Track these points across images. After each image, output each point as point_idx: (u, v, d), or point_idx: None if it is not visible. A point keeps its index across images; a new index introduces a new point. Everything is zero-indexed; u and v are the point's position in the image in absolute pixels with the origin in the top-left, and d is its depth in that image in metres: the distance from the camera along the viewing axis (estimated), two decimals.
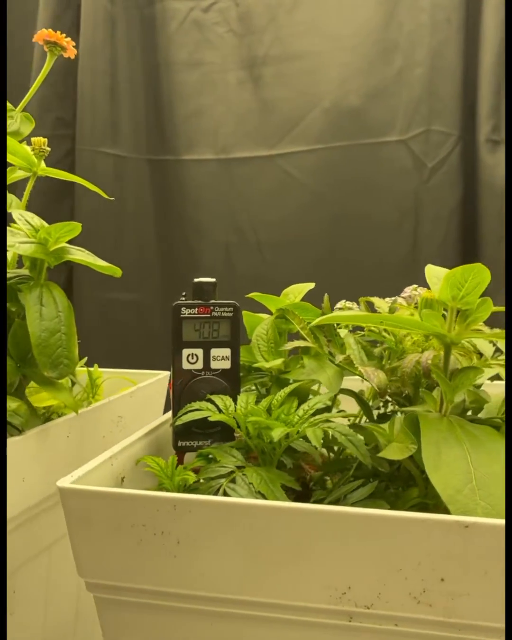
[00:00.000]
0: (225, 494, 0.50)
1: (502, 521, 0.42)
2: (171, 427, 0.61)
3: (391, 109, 1.38)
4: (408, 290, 0.77)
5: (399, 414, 0.58)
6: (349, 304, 0.77)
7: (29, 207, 1.57)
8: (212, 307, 0.61)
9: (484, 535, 0.43)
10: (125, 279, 1.51)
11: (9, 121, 0.79)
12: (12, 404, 0.57)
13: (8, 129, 0.79)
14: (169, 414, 0.71)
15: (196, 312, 0.61)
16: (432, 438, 0.48)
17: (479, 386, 0.56)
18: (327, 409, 0.67)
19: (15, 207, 0.79)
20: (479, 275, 0.49)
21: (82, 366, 0.87)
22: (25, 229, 0.60)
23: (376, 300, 0.71)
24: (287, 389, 0.58)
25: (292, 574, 0.46)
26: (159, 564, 0.48)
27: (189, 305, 0.61)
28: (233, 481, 0.51)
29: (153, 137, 1.56)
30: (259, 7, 1.46)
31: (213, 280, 0.63)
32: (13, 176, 0.80)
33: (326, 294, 0.65)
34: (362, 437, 0.52)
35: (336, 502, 0.54)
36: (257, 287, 1.56)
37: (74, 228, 0.60)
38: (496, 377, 0.60)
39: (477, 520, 0.42)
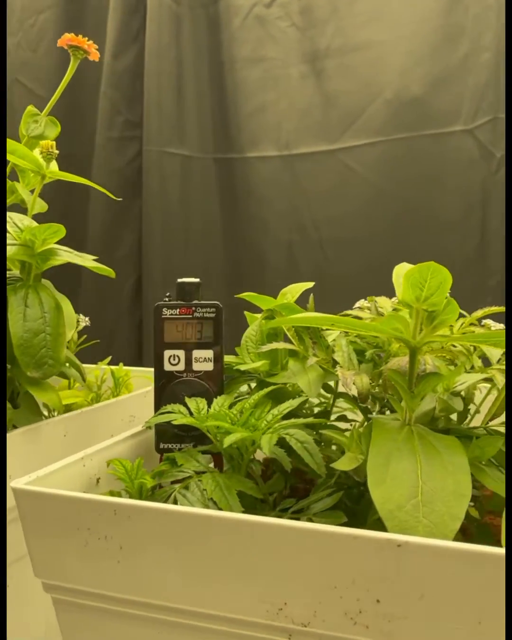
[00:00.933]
0: (175, 500, 0.49)
1: (439, 541, 0.39)
2: (147, 428, 0.61)
3: (455, 97, 1.32)
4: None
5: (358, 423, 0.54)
6: (367, 303, 0.74)
7: (100, 209, 1.62)
8: (194, 308, 0.60)
9: (419, 555, 0.39)
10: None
11: (33, 125, 0.81)
12: None
13: (33, 133, 0.81)
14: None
15: (178, 313, 0.60)
16: (382, 448, 0.45)
17: (457, 394, 0.52)
18: (325, 413, 0.65)
19: (39, 209, 0.80)
20: (437, 274, 0.45)
21: (106, 365, 0.88)
22: (12, 231, 0.61)
23: (380, 299, 0.67)
24: (262, 392, 0.56)
25: (230, 585, 0.45)
26: (104, 568, 0.48)
27: (170, 306, 0.60)
28: (187, 487, 0.50)
29: (218, 135, 1.56)
30: None
31: (197, 280, 0.62)
32: (30, 182, 0.82)
33: (311, 295, 0.62)
34: (315, 447, 0.49)
35: (298, 511, 0.52)
36: (320, 285, 1.54)
37: (59, 230, 0.61)
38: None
39: (411, 540, 0.39)
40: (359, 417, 0.62)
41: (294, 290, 0.67)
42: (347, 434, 0.50)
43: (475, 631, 0.39)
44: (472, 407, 0.57)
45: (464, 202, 1.33)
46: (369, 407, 0.60)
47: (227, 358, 0.63)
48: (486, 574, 0.38)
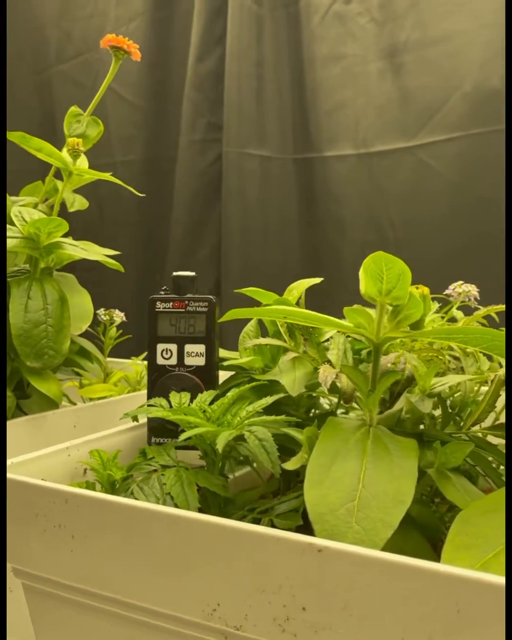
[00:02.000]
0: (133, 493, 0.49)
1: (361, 549, 0.37)
2: (129, 417, 0.61)
3: None
4: (451, 288, 0.70)
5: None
6: None
7: (184, 212, 1.65)
8: (186, 302, 0.60)
9: (340, 562, 0.37)
10: (270, 277, 1.52)
11: (75, 125, 0.83)
12: None
13: (74, 132, 0.83)
14: None
15: (171, 307, 0.60)
16: (329, 448, 0.42)
17: (434, 395, 0.48)
18: (330, 414, 0.62)
19: (78, 206, 0.82)
20: (393, 265, 0.43)
21: (142, 360, 0.90)
22: (19, 225, 0.63)
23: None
24: (242, 389, 0.54)
25: (169, 582, 0.44)
26: (60, 556, 0.48)
27: (164, 299, 0.60)
28: (148, 480, 0.50)
29: (297, 135, 1.55)
30: None
31: (192, 274, 0.61)
32: (81, 179, 0.84)
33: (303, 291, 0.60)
34: (273, 445, 0.47)
35: (263, 512, 0.50)
36: None
37: (61, 223, 0.62)
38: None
39: (331, 545, 0.37)
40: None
41: (300, 286, 0.65)
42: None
43: None
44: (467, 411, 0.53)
45: None
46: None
47: (223, 353, 0.62)
48: (409, 587, 0.36)
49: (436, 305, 0.60)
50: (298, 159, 1.55)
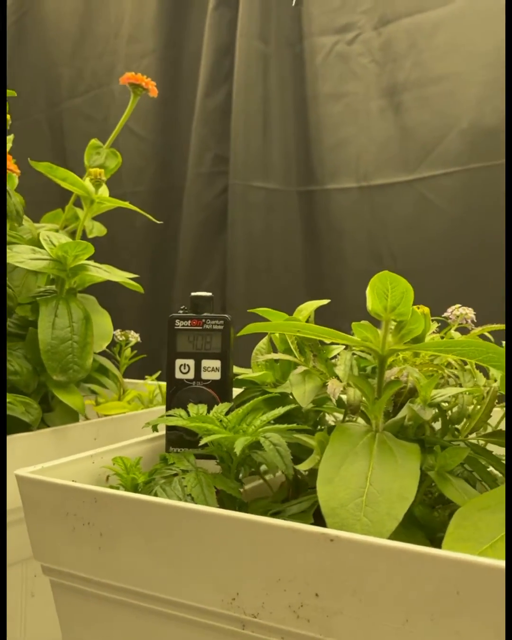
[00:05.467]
0: (156, 494, 0.53)
1: (370, 538, 0.40)
2: (150, 427, 0.64)
3: None
4: (450, 311, 0.74)
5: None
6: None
7: (190, 241, 1.70)
8: (204, 320, 0.64)
9: (351, 550, 0.41)
10: (273, 306, 1.57)
11: (95, 156, 0.89)
12: (24, 401, 0.64)
13: (95, 163, 0.88)
14: None
15: (189, 325, 0.64)
16: (339, 450, 0.46)
17: (435, 405, 0.52)
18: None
19: (97, 233, 0.87)
20: (398, 284, 0.47)
21: (154, 380, 0.94)
22: (48, 248, 0.67)
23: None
24: (256, 400, 0.59)
25: (191, 574, 0.47)
26: (88, 553, 0.52)
27: (182, 318, 0.65)
28: (170, 483, 0.53)
29: (301, 169, 1.61)
30: (400, 33, 1.46)
31: (209, 294, 0.66)
32: (101, 207, 0.89)
33: (312, 310, 0.64)
34: (287, 450, 0.51)
35: (275, 514, 0.54)
36: None
37: (87, 247, 0.67)
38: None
39: (342, 534, 0.41)
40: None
41: (308, 307, 0.70)
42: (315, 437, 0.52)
43: (402, 629, 0.40)
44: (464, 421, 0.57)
45: None
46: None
47: (237, 369, 0.67)
48: (412, 572, 0.39)
49: (435, 326, 0.65)
50: (301, 192, 1.61)
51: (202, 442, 0.52)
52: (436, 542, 0.52)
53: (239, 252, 1.64)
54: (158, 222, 0.88)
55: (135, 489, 0.56)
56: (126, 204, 0.80)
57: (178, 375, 0.65)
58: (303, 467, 0.48)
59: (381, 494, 0.43)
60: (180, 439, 0.64)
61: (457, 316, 0.73)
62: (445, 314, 0.74)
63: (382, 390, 0.49)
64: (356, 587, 0.41)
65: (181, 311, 0.66)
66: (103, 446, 0.73)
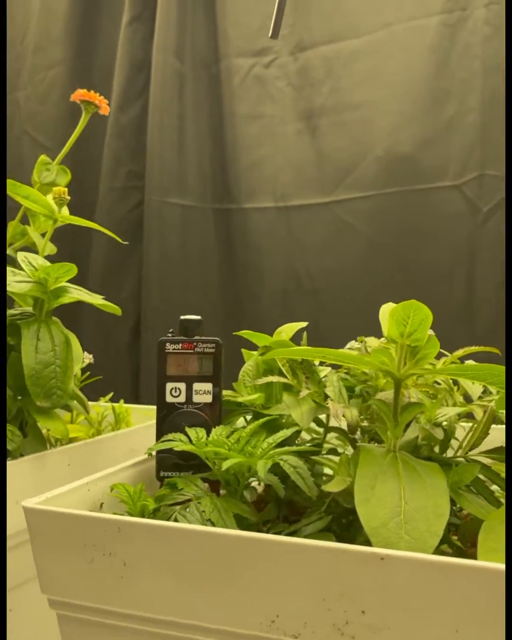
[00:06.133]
0: (176, 520, 0.53)
1: (419, 555, 0.43)
2: (148, 455, 0.64)
3: (443, 154, 1.39)
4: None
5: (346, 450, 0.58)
6: (356, 344, 0.78)
7: (103, 254, 1.67)
8: (195, 343, 0.65)
9: (401, 568, 0.43)
10: None
11: (45, 173, 0.87)
12: (8, 428, 0.61)
13: (45, 180, 0.86)
14: None
15: (180, 348, 0.64)
16: (369, 471, 0.48)
17: (438, 424, 0.56)
18: (317, 447, 0.69)
19: (49, 251, 0.85)
20: (419, 311, 0.50)
21: (107, 402, 0.92)
22: (28, 270, 0.65)
23: (370, 340, 0.72)
24: (259, 422, 0.60)
25: (226, 599, 0.48)
26: (108, 584, 0.51)
27: (173, 341, 0.65)
28: (187, 508, 0.54)
29: (217, 187, 1.63)
30: (317, 60, 1.52)
31: (198, 318, 0.66)
32: (40, 225, 0.87)
33: (304, 332, 0.66)
34: (307, 471, 0.53)
35: (291, 534, 0.55)
36: (315, 333, 1.58)
37: (71, 269, 0.65)
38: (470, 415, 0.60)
39: (392, 553, 0.43)
40: (349, 450, 0.66)
41: (288, 329, 0.72)
42: (335, 459, 0.54)
43: (453, 639, 0.43)
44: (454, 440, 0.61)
45: (453, 253, 1.39)
46: (358, 438, 0.64)
47: (225, 392, 0.67)
48: (461, 585, 0.42)
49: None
50: (218, 209, 1.63)
51: (224, 467, 0.53)
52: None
53: (154, 267, 1.64)
54: (124, 242, 0.87)
55: (143, 516, 0.56)
56: (93, 224, 0.79)
57: (169, 399, 0.64)
58: (334, 488, 0.50)
59: (417, 512, 0.46)
60: (170, 462, 0.63)
61: None
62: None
63: (400, 412, 0.52)
64: (405, 603, 0.43)
65: (170, 334, 0.66)
66: (78, 472, 0.72)
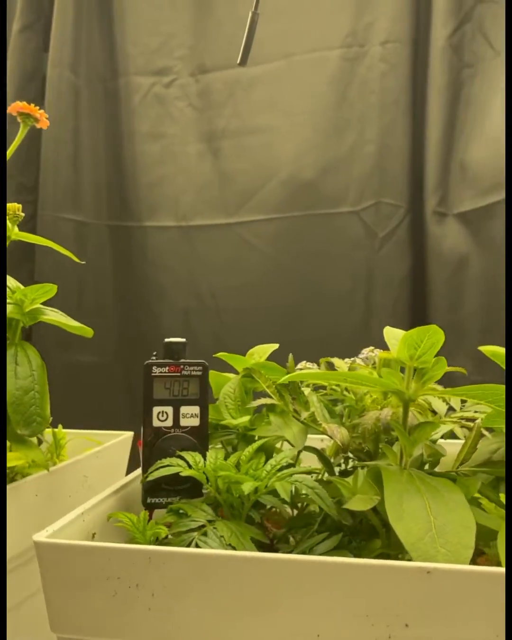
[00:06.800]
0: (197, 546, 0.52)
1: (464, 566, 0.45)
2: (141, 484, 0.63)
3: (344, 182, 1.46)
4: (365, 352, 0.81)
5: (359, 469, 0.60)
6: (309, 364, 0.80)
7: None
8: (182, 366, 0.64)
9: (446, 580, 0.45)
10: (85, 341, 1.53)
11: None
12: None
13: None
14: (137, 472, 0.72)
15: (167, 371, 0.64)
16: (394, 489, 0.51)
17: (434, 442, 0.60)
18: (290, 466, 0.70)
19: None
20: (434, 336, 0.53)
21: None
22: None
23: (335, 360, 0.74)
24: (255, 445, 0.60)
25: (265, 623, 0.48)
26: (134, 617, 0.49)
27: (160, 364, 0.64)
28: (204, 534, 0.53)
29: (114, 204, 1.61)
30: (218, 83, 1.54)
31: (183, 340, 0.66)
32: None
33: (290, 353, 0.68)
34: (325, 491, 0.54)
35: (302, 554, 0.56)
36: (216, 351, 1.59)
37: (50, 289, 0.63)
38: (451, 435, 0.64)
39: (439, 566, 0.45)
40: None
41: (261, 351, 0.73)
42: (348, 479, 0.56)
43: None
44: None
45: (352, 276, 1.46)
46: (333, 460, 0.66)
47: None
48: (500, 592, 0.45)
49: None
50: (116, 226, 1.61)
51: (246, 491, 0.53)
52: None
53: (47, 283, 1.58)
54: (81, 262, 0.84)
55: (155, 544, 0.54)
56: (49, 242, 0.76)
57: (156, 423, 0.63)
58: (360, 507, 0.51)
59: (447, 526, 0.49)
60: (158, 488, 0.62)
61: (370, 357, 0.81)
62: (361, 356, 0.81)
63: (413, 431, 0.54)
64: (448, 613, 0.46)
65: (154, 357, 0.65)
66: (46, 502, 0.68)
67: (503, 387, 0.54)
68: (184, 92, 1.57)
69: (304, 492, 0.55)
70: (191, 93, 1.56)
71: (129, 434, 0.95)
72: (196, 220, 1.55)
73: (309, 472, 0.59)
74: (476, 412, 0.64)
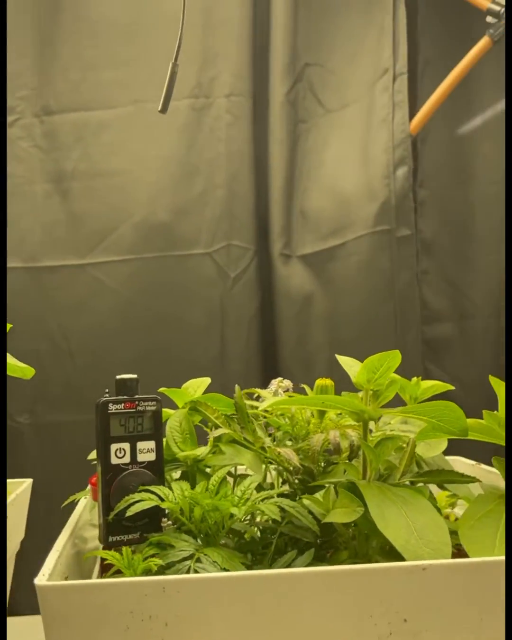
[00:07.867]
0: (196, 572, 0.53)
1: (453, 560, 0.52)
2: (101, 522, 0.62)
3: (196, 225, 1.52)
4: (274, 383, 0.86)
5: (330, 486, 0.64)
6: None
7: None
8: (137, 402, 0.65)
9: (441, 574, 0.51)
10: None
11: None
12: None
13: None
14: (78, 513, 0.71)
15: (123, 408, 0.64)
16: (374, 501, 0.56)
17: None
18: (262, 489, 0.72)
19: None
20: (393, 360, 0.59)
21: None
22: None
23: (260, 391, 0.79)
24: (221, 473, 0.63)
25: (279, 636, 0.50)
26: None
27: (115, 401, 0.64)
28: (198, 561, 0.55)
29: None
30: (66, 126, 1.53)
31: (135, 376, 0.66)
32: None
33: (237, 385, 0.71)
34: (304, 509, 0.58)
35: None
36: (69, 393, 1.55)
37: None
38: None
39: (432, 563, 0.51)
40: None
41: (195, 385, 0.75)
42: (318, 495, 0.61)
43: (478, 626, 0.52)
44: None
45: (207, 313, 1.51)
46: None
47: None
48: (487, 580, 0.52)
49: None
50: None
51: (241, 515, 0.55)
52: None
53: None
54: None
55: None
56: None
57: (114, 460, 0.63)
58: (342, 519, 0.55)
59: (425, 528, 0.55)
60: (119, 525, 0.62)
61: (282, 387, 0.86)
62: (271, 388, 0.86)
63: (378, 446, 0.60)
64: (440, 604, 0.52)
65: (106, 395, 0.65)
66: None
67: (456, 406, 0.61)
68: (28, 132, 1.54)
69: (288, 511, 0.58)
70: (36, 134, 1.54)
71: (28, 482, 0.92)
72: (45, 261, 1.52)
73: (281, 494, 0.63)
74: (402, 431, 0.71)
